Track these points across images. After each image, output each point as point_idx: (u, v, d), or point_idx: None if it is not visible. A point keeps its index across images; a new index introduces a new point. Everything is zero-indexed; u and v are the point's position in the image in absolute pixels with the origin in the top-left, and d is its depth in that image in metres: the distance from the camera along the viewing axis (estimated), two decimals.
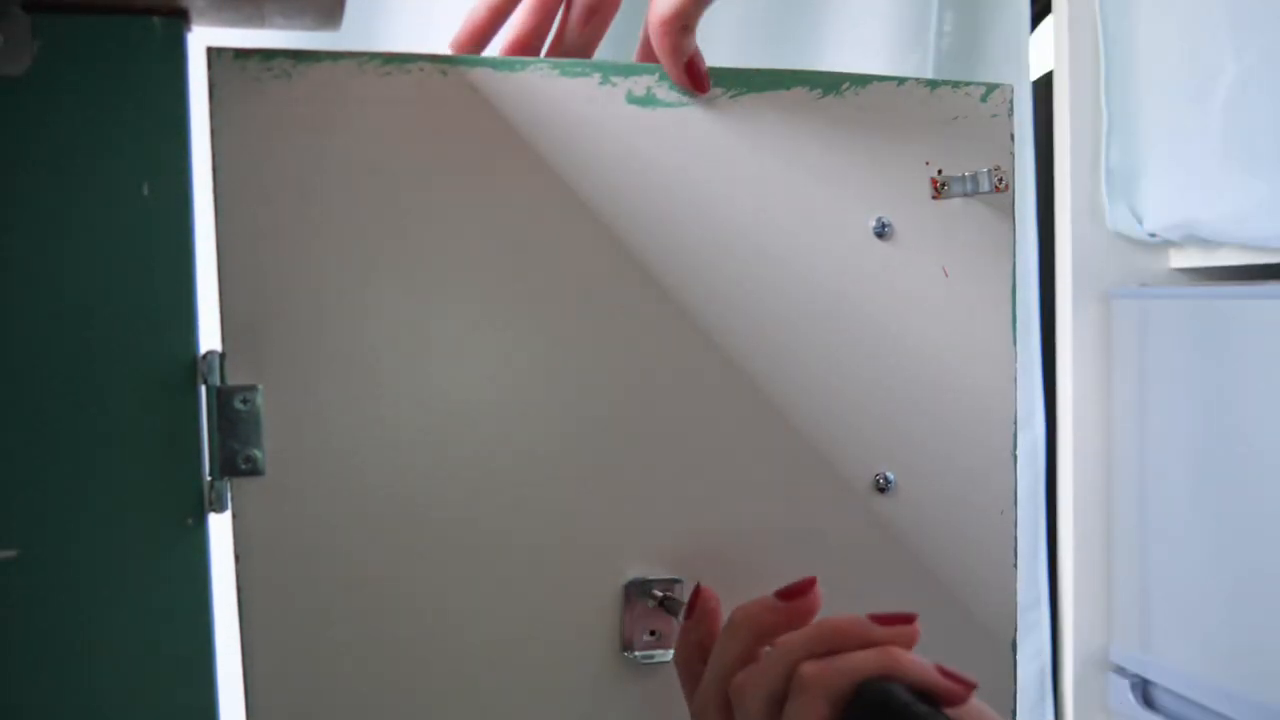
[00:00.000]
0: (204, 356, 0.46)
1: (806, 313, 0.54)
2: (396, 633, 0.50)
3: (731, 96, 0.53)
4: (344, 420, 0.49)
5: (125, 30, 0.44)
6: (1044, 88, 1.36)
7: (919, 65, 1.23)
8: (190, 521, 0.46)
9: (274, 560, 0.48)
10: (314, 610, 0.48)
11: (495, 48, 0.55)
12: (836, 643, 0.42)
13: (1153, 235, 1.29)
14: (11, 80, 0.43)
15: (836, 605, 0.55)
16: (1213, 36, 1.14)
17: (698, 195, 0.52)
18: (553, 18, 0.54)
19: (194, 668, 0.46)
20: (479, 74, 0.50)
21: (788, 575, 0.54)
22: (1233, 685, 1.11)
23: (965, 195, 0.55)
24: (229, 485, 0.47)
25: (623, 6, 0.55)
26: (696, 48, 0.50)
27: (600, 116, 0.51)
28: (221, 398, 0.46)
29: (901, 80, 0.55)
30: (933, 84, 0.56)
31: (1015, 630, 0.58)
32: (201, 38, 0.47)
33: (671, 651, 0.53)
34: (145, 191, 0.45)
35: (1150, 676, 1.25)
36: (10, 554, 0.44)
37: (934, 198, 0.56)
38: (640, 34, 0.54)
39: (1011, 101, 0.57)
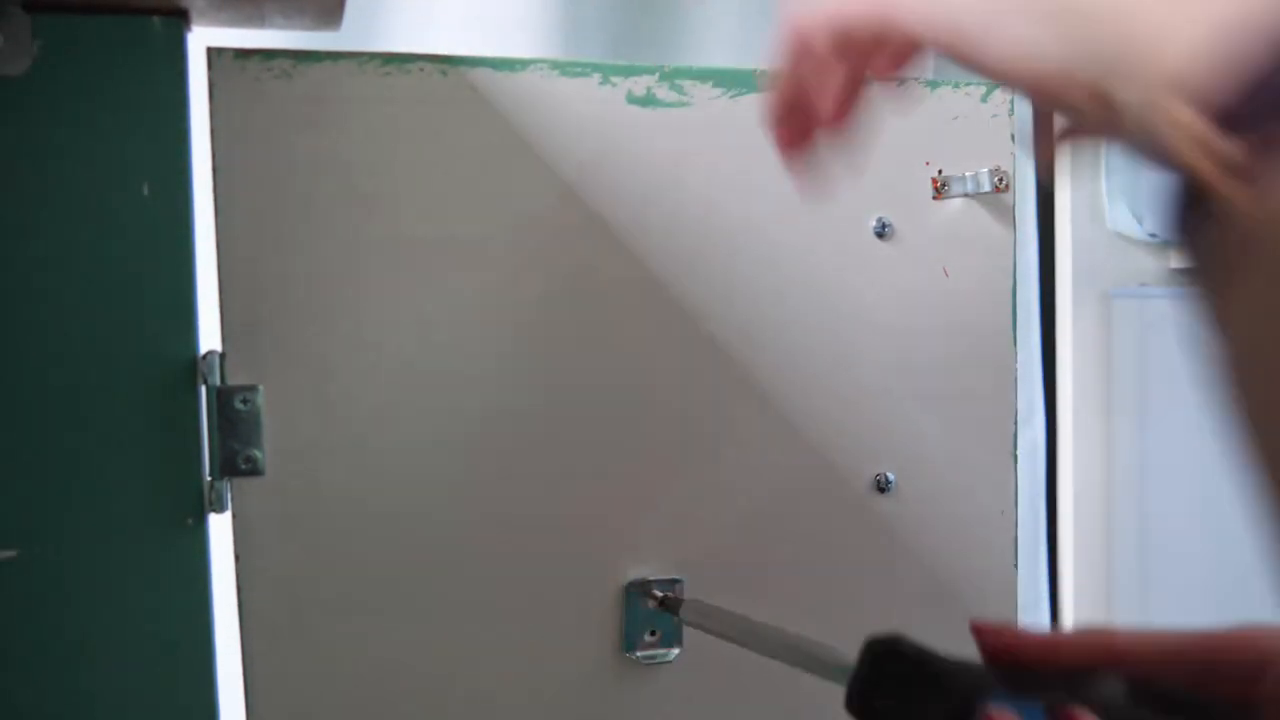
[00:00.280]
0: (204, 356, 0.46)
1: (807, 313, 0.54)
2: (396, 632, 0.50)
3: (731, 97, 0.53)
4: (344, 420, 0.48)
5: (125, 30, 0.44)
6: None
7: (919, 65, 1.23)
8: (190, 521, 0.46)
9: (274, 560, 0.48)
10: (314, 610, 0.48)
11: None
12: None
13: (1153, 235, 1.28)
14: (11, 80, 0.43)
15: (836, 605, 0.56)
16: None
17: (698, 195, 0.52)
18: None
19: (194, 668, 0.46)
20: (479, 74, 0.49)
21: (788, 575, 0.54)
22: None
23: (965, 195, 0.55)
24: (229, 485, 0.47)
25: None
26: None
27: (600, 116, 0.51)
28: (221, 398, 0.46)
29: (902, 80, 0.55)
30: (933, 84, 0.56)
31: None
32: (201, 38, 0.47)
33: (673, 651, 0.53)
34: (145, 191, 0.45)
35: None
36: (10, 554, 0.44)
37: (934, 198, 0.56)
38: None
39: (1012, 101, 0.57)
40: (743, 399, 0.53)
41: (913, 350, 0.56)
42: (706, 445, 0.53)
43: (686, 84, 0.52)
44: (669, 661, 0.53)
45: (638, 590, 0.52)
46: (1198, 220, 0.28)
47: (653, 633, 0.53)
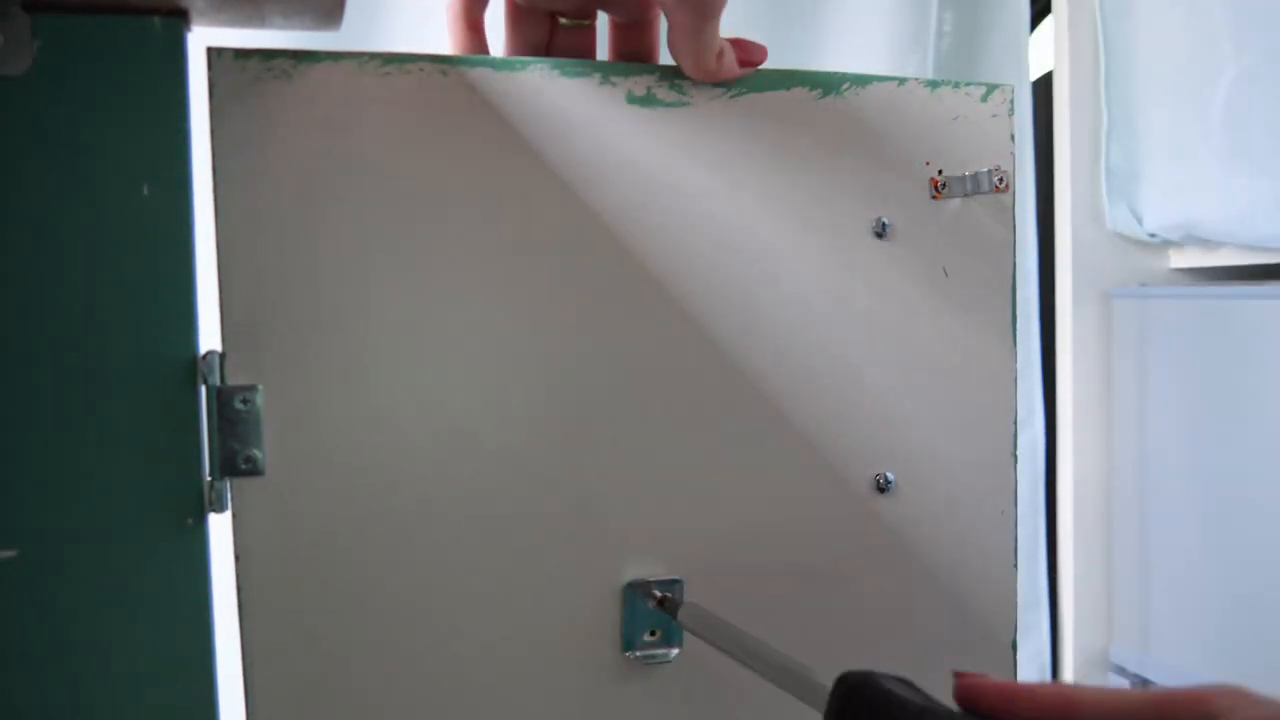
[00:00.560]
0: (204, 356, 0.46)
1: (806, 313, 0.54)
2: (396, 632, 0.50)
3: (731, 96, 0.53)
4: (344, 420, 0.48)
5: (125, 30, 0.44)
6: (1044, 88, 1.36)
7: (919, 65, 1.23)
8: (190, 521, 0.46)
9: (274, 560, 0.48)
10: (314, 610, 0.48)
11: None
12: None
13: (1153, 235, 1.29)
14: (11, 80, 0.43)
15: (835, 605, 0.56)
16: (1213, 36, 1.15)
17: (697, 195, 0.52)
18: None
19: (194, 668, 0.46)
20: (479, 74, 0.50)
21: (788, 575, 0.55)
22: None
23: (965, 195, 0.56)
24: (229, 485, 0.47)
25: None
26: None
27: (600, 116, 0.51)
28: (221, 398, 0.46)
29: (902, 80, 0.55)
30: (933, 84, 0.56)
31: (1015, 630, 0.58)
32: (201, 38, 0.47)
33: (672, 651, 0.53)
34: (145, 191, 0.45)
35: (1150, 676, 1.25)
36: (10, 554, 0.44)
37: (934, 198, 0.56)
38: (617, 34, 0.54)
39: (1012, 101, 0.57)
40: (742, 398, 0.53)
41: (912, 350, 0.56)
42: (706, 445, 0.53)
43: (686, 84, 0.52)
44: (669, 661, 0.53)
45: (637, 590, 0.52)
46: None
47: (652, 632, 0.53)
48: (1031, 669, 1.31)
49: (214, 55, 0.47)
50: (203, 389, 0.46)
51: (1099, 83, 1.29)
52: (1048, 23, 1.38)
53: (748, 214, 0.53)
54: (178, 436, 0.45)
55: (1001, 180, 0.55)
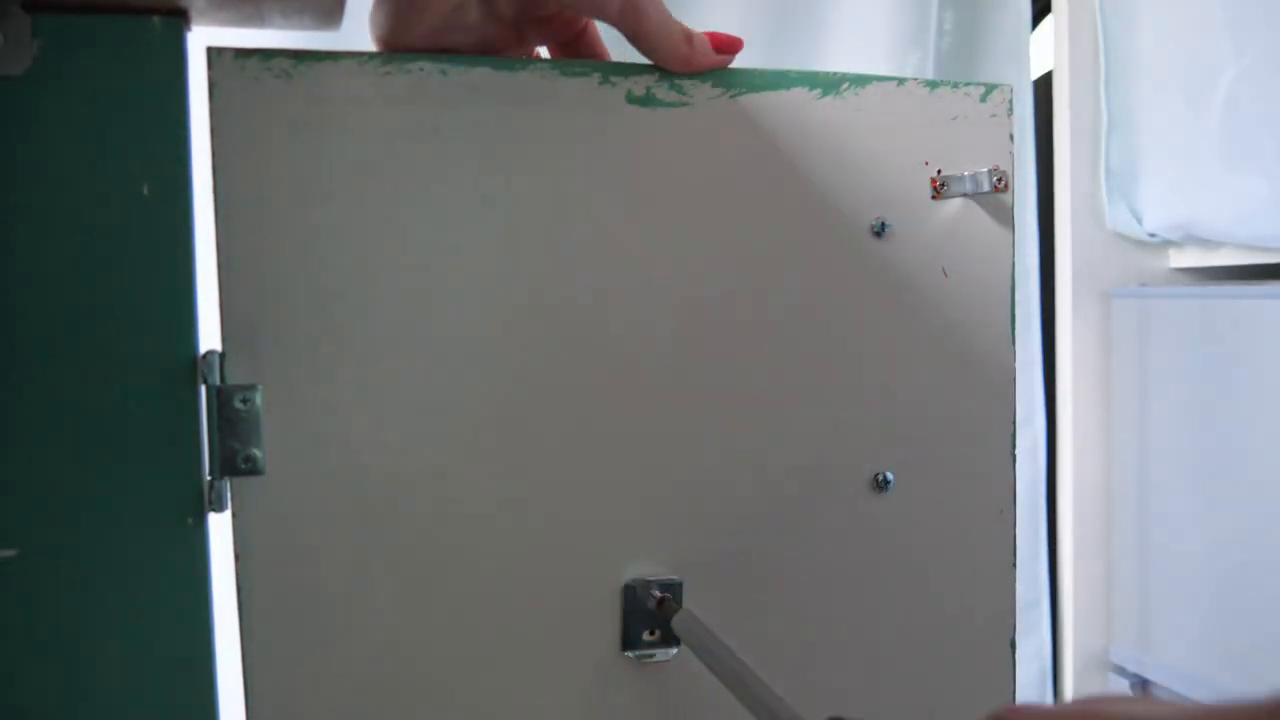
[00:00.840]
0: (204, 356, 0.46)
1: (806, 312, 0.54)
2: (396, 632, 0.50)
3: (731, 96, 0.53)
4: (344, 420, 0.49)
5: (125, 30, 0.44)
6: (1044, 88, 1.36)
7: (919, 65, 1.24)
8: (190, 521, 0.46)
9: (274, 560, 0.48)
10: (314, 609, 0.49)
11: None
12: None
13: (1153, 235, 1.29)
14: (11, 80, 0.43)
15: (834, 605, 0.56)
16: (1213, 36, 1.15)
17: (697, 195, 0.52)
18: None
19: (194, 668, 0.46)
20: (479, 74, 0.50)
21: (787, 575, 0.55)
22: (1232, 685, 1.11)
23: (965, 195, 0.56)
24: (229, 485, 0.47)
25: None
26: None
27: (600, 116, 0.51)
28: (221, 398, 0.46)
29: (901, 80, 0.55)
30: (932, 84, 0.56)
31: (1015, 630, 0.58)
32: (201, 38, 0.47)
33: (672, 650, 0.53)
34: (145, 191, 0.45)
35: (1150, 676, 1.25)
36: (10, 554, 0.44)
37: (934, 198, 0.56)
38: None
39: (1011, 101, 0.57)
40: (741, 398, 0.53)
41: (912, 350, 0.56)
42: (706, 444, 0.53)
43: (686, 84, 0.52)
44: (668, 660, 0.53)
45: (636, 589, 0.52)
46: None
47: (651, 632, 0.53)
48: (1031, 669, 1.31)
49: (214, 55, 0.47)
50: (203, 389, 0.46)
51: (1099, 82, 1.29)
52: (1048, 22, 1.38)
53: (747, 214, 0.53)
54: (178, 436, 0.46)
55: (1001, 180, 0.55)
